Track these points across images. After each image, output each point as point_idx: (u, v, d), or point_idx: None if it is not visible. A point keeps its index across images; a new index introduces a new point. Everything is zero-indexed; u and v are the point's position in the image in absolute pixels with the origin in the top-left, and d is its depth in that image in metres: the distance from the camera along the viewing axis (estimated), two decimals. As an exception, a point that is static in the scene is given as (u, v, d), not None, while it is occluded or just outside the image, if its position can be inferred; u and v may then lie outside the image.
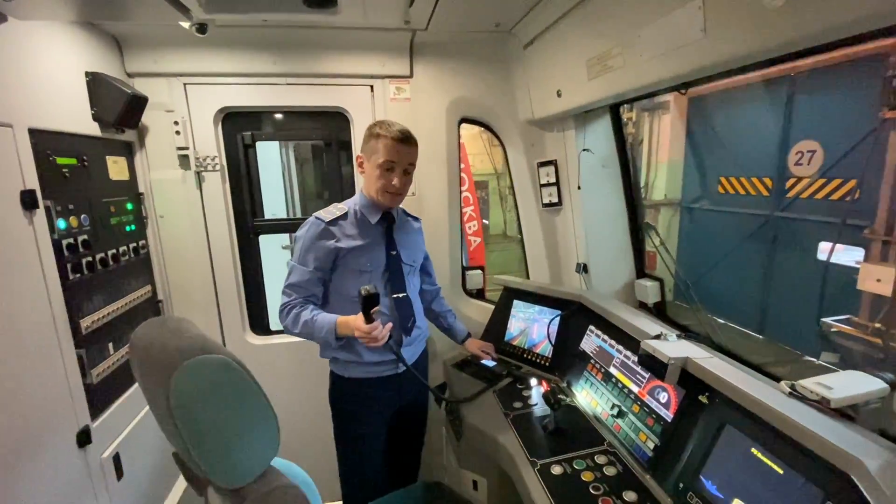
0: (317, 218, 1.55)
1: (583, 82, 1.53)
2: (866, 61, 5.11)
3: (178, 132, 1.96)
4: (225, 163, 2.11)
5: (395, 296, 1.64)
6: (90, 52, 1.69)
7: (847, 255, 5.52)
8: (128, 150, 1.91)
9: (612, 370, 1.60)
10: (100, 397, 1.58)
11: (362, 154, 1.58)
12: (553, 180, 2.16)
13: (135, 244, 1.88)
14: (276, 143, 3.59)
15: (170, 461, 0.99)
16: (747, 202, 7.07)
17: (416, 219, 1.84)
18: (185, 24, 1.54)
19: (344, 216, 1.58)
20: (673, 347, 1.27)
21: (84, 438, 1.45)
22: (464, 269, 2.43)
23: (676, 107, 7.98)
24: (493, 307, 2.30)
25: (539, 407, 1.69)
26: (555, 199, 2.18)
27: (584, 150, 1.91)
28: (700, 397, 1.21)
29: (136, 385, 1.81)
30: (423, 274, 1.87)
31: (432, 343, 2.37)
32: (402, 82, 2.11)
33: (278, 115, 2.19)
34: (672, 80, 1.20)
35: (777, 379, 1.15)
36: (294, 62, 2.00)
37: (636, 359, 1.50)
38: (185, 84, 1.96)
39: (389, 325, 1.50)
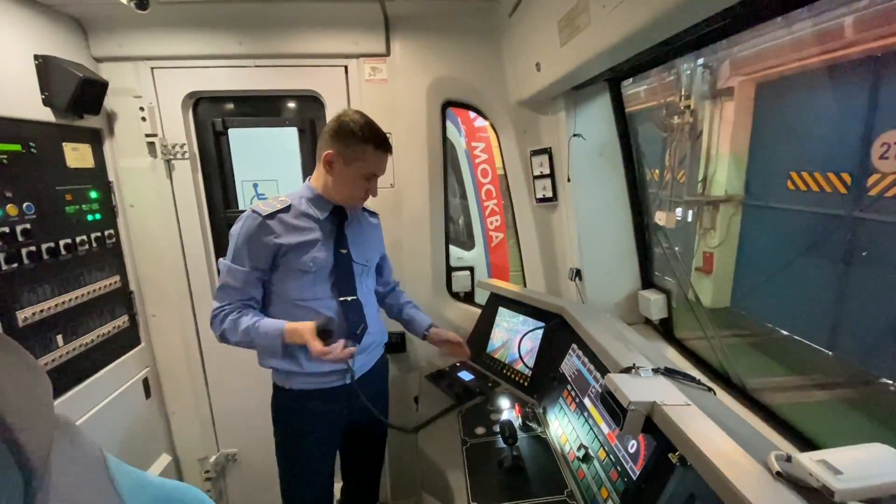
0: (253, 211, 1.36)
1: (556, 49, 1.25)
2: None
3: (143, 118, 1.88)
4: (196, 151, 2.02)
5: (342, 299, 1.45)
6: (45, 35, 1.64)
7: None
8: (94, 138, 1.86)
9: (587, 401, 1.32)
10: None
11: (336, 154, 1.35)
12: (547, 171, 1.87)
13: (98, 234, 1.83)
14: (293, 131, 3.54)
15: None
16: (821, 200, 6.21)
17: (373, 214, 1.65)
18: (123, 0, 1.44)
19: (286, 209, 1.39)
20: (640, 387, 0.99)
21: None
22: (450, 269, 2.20)
23: (742, 93, 7.17)
24: (479, 312, 2.06)
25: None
26: (549, 194, 1.90)
27: (574, 135, 1.61)
28: (670, 455, 0.92)
29: (95, 376, 1.78)
30: (376, 274, 1.67)
31: (413, 351, 2.18)
32: (378, 61, 1.91)
33: (250, 101, 2.06)
34: (642, 39, 0.91)
35: (804, 440, 0.84)
36: (261, 42, 1.86)
37: (611, 391, 1.22)
38: (152, 68, 1.88)
39: (351, 349, 1.35)
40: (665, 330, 1.68)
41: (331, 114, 1.97)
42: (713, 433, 0.85)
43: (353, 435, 1.62)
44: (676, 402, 0.93)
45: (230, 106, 2.05)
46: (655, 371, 1.06)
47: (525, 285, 2.15)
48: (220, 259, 1.41)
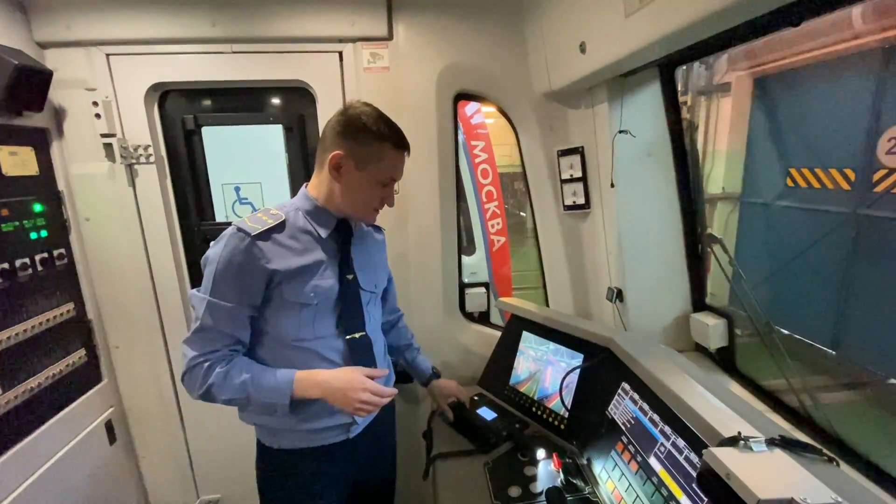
0: (239, 230, 1.06)
1: (617, 22, 0.99)
2: None
3: (97, 115, 1.57)
4: (164, 153, 1.71)
5: (349, 337, 1.18)
6: (-30, 14, 1.32)
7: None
8: (37, 139, 1.54)
9: (654, 462, 1.06)
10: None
11: (348, 155, 1.08)
12: (578, 174, 1.61)
13: (45, 255, 1.52)
14: (279, 130, 3.23)
15: None
16: (822, 197, 6.09)
17: (378, 229, 1.38)
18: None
19: (279, 227, 1.10)
20: (763, 471, 0.73)
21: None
22: (463, 286, 1.93)
23: (740, 88, 7.03)
24: (498, 336, 1.80)
25: (543, 501, 1.18)
26: (580, 200, 1.64)
27: (620, 131, 1.35)
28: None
29: (46, 425, 1.47)
30: (381, 301, 1.40)
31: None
32: (379, 46, 1.62)
33: (228, 93, 1.76)
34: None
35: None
36: (239, 23, 1.57)
37: (691, 455, 0.97)
38: (107, 55, 1.57)
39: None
40: (723, 359, 1.43)
41: (323, 108, 1.69)
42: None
43: (356, 499, 1.34)
44: (823, 500, 0.67)
45: (204, 100, 1.75)
46: (770, 443, 0.80)
47: (547, 304, 1.90)
48: (193, 291, 1.10)
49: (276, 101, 1.78)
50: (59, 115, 1.59)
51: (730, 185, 7.60)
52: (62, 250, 1.60)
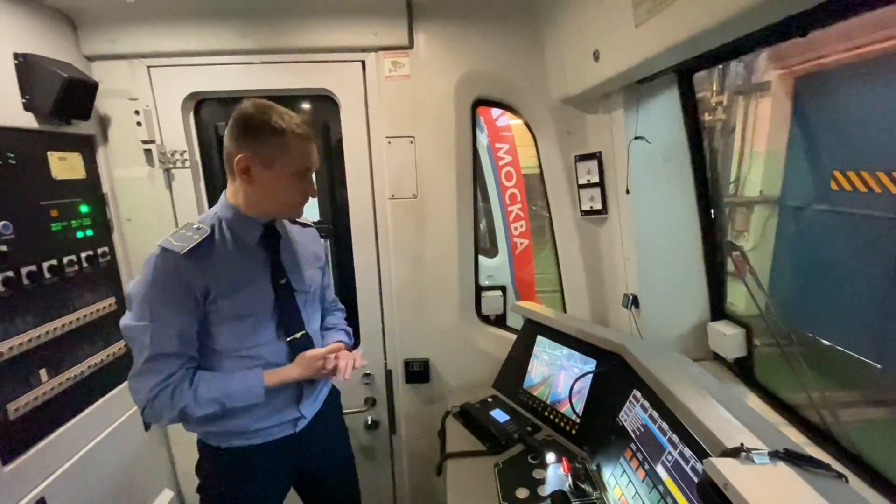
0: (165, 250, 1.04)
1: (627, 31, 0.99)
2: None
3: (139, 123, 1.69)
4: (198, 158, 1.81)
5: (290, 339, 1.21)
6: (27, 31, 1.45)
7: None
8: (84, 145, 1.67)
9: (661, 471, 1.06)
10: (19, 436, 1.35)
11: (252, 155, 1.05)
12: (596, 179, 1.61)
13: (90, 252, 1.64)
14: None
15: None
16: (871, 202, 5.76)
17: (305, 225, 1.37)
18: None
19: (207, 240, 1.08)
20: (762, 483, 0.72)
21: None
22: (480, 289, 1.95)
23: (781, 87, 6.73)
24: (514, 338, 1.82)
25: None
26: (598, 206, 1.63)
27: (635, 137, 1.35)
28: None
29: (87, 410, 1.59)
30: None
31: (438, 380, 1.95)
32: (400, 55, 1.67)
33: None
34: (775, 9, 0.65)
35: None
36: (268, 35, 1.65)
37: (697, 465, 0.96)
38: (148, 67, 1.68)
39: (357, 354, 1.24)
40: (742, 370, 1.40)
41: (346, 115, 1.75)
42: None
43: (310, 489, 1.39)
44: (822, 516, 0.67)
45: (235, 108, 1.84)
46: (773, 456, 0.79)
47: (564, 309, 1.89)
48: (131, 322, 1.06)
49: (303, 108, 1.86)
50: (104, 122, 1.72)
51: (768, 188, 7.28)
52: (105, 248, 1.72)
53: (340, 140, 1.79)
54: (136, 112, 1.68)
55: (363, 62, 1.70)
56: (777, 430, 0.96)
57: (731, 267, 1.52)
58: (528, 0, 1.56)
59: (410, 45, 1.66)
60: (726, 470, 0.75)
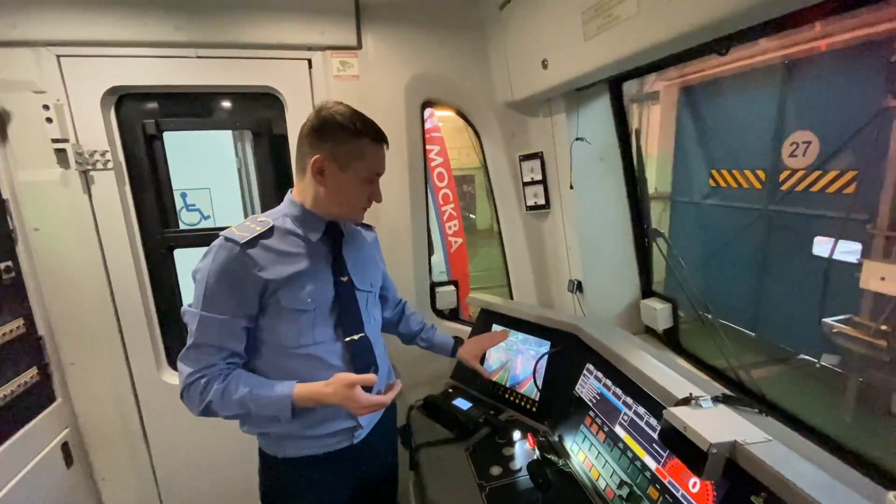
0: (227, 239, 1.05)
1: (577, 44, 1.12)
2: (866, 47, 4.82)
3: (49, 119, 1.50)
4: (122, 159, 1.65)
5: (348, 339, 1.19)
6: None
7: (841, 249, 5.27)
8: (-23, 144, 1.44)
9: (619, 430, 1.21)
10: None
11: (329, 158, 1.07)
12: (539, 177, 1.75)
13: (-10, 268, 1.42)
14: (228, 133, 3.13)
15: None
16: (740, 196, 6.80)
17: (368, 227, 1.39)
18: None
19: (268, 233, 1.09)
20: (711, 422, 0.88)
21: None
22: (434, 284, 2.01)
23: (668, 96, 7.68)
24: (469, 330, 1.90)
25: (524, 475, 1.29)
26: (541, 201, 1.78)
27: (577, 138, 1.50)
28: (754, 498, 0.82)
29: None
30: (381, 299, 1.43)
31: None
32: (349, 55, 1.68)
33: (189, 98, 1.73)
34: (712, 28, 0.80)
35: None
36: (205, 29, 1.56)
37: (651, 420, 1.12)
38: (58, 56, 1.50)
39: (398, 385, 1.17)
40: (670, 339, 1.62)
41: (292, 114, 1.71)
42: (811, 473, 0.76)
43: (360, 500, 1.36)
44: (757, 440, 0.83)
45: (164, 104, 1.71)
46: (715, 400, 0.96)
47: (511, 297, 2.03)
48: (186, 307, 1.08)
49: (242, 106, 1.77)
50: (2, 118, 1.50)
51: (661, 185, 8.27)
52: (8, 263, 1.50)
53: (284, 137, 1.74)
54: (46, 107, 1.49)
55: (309, 60, 1.67)
56: (711, 383, 1.15)
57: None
58: (472, 12, 1.66)
59: (359, 46, 1.67)
60: (683, 415, 0.89)
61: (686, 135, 7.58)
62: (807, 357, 5.41)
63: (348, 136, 1.07)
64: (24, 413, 1.51)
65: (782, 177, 6.15)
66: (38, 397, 1.59)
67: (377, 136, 1.11)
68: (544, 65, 1.32)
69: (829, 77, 5.42)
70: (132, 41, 1.53)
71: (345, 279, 1.18)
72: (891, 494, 0.68)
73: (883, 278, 4.39)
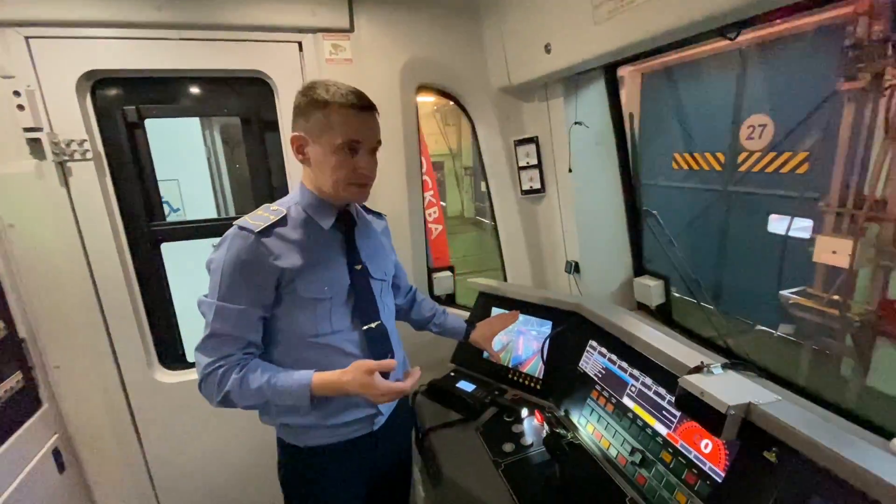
0: (241, 228, 1.03)
1: (585, 29, 1.14)
2: (817, 33, 5.11)
3: (20, 106, 1.39)
4: (102, 149, 1.56)
5: (366, 327, 1.18)
6: None
7: (795, 226, 5.65)
8: (-60, 134, 1.32)
9: (627, 401, 1.27)
10: None
11: (302, 133, 1.04)
12: (534, 162, 1.78)
13: (-37, 268, 1.32)
14: (195, 121, 2.98)
15: None
16: (701, 177, 7.13)
17: (378, 215, 1.38)
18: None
19: (282, 221, 1.07)
20: (724, 387, 0.95)
21: None
22: (430, 270, 2.02)
23: (633, 82, 7.87)
24: (468, 315, 1.93)
25: (536, 449, 1.35)
26: (536, 185, 1.81)
27: (575, 122, 1.54)
28: (766, 454, 0.90)
29: None
30: (393, 287, 1.43)
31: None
32: (341, 38, 1.63)
33: (176, 83, 1.64)
34: (732, 12, 0.83)
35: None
36: (189, 8, 1.47)
37: (660, 389, 1.18)
38: (27, 38, 1.39)
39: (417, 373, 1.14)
40: (662, 314, 1.71)
41: (284, 101, 1.66)
42: (819, 426, 0.83)
43: (375, 489, 1.36)
44: (769, 400, 0.90)
45: (145, 90, 1.61)
46: (724, 367, 1.03)
47: (505, 279, 2.06)
48: (202, 297, 1.05)
49: (229, 91, 1.70)
50: (-35, 106, 1.38)
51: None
52: (-17, 262, 1.40)
53: (274, 124, 1.69)
54: (17, 93, 1.38)
55: (300, 43, 1.62)
56: (706, 351, 1.22)
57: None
58: None
59: (352, 29, 1.63)
60: (698, 382, 0.95)
61: (649, 119, 7.83)
62: (764, 328, 5.80)
63: (317, 106, 1.01)
64: (11, 421, 1.43)
65: (740, 158, 6.49)
66: (24, 403, 1.50)
67: (346, 100, 1.01)
68: (547, 49, 1.34)
69: (784, 62, 5.71)
70: (108, 21, 1.43)
71: (359, 267, 1.17)
72: (895, 441, 0.76)
73: (834, 252, 4.73)
